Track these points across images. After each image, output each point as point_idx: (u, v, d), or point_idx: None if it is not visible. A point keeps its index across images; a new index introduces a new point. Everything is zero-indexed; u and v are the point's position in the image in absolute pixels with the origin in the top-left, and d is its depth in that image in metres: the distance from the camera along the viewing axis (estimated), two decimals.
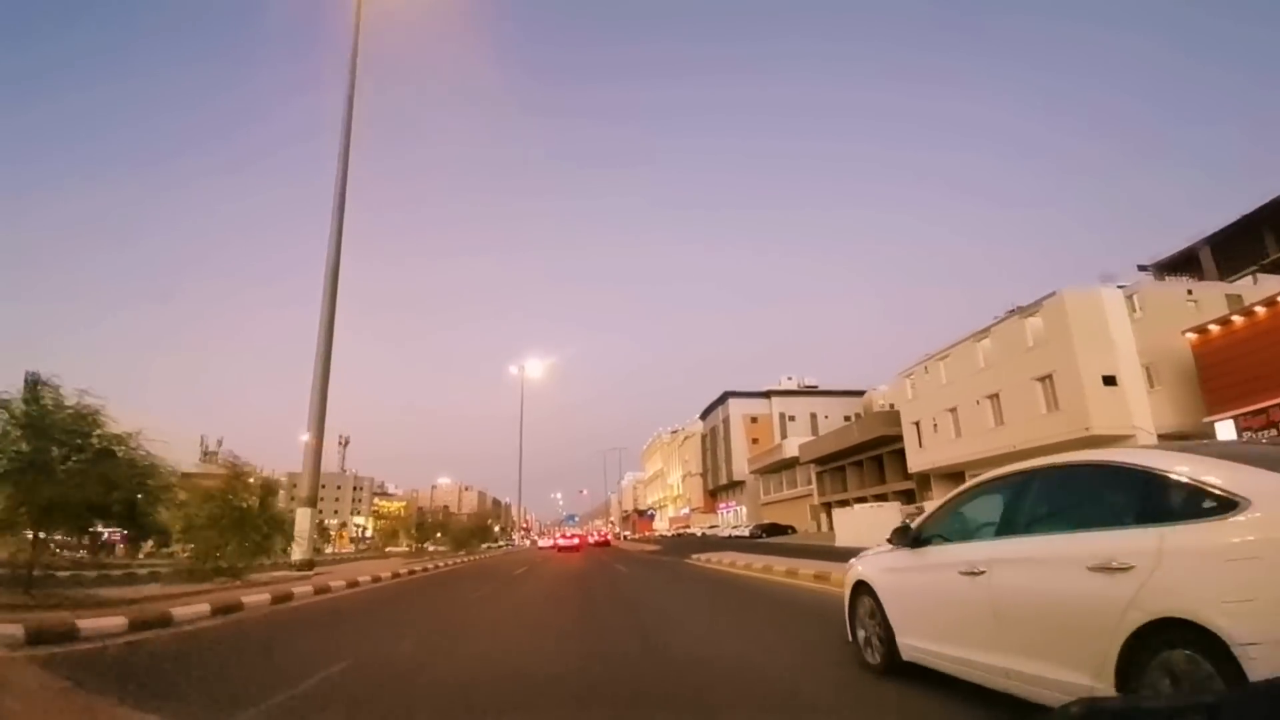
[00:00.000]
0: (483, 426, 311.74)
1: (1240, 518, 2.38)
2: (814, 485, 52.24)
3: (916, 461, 36.62)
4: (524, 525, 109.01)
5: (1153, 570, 2.52)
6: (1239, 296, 26.64)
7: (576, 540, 49.86)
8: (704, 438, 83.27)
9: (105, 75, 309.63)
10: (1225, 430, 22.71)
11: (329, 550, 77.93)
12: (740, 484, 68.43)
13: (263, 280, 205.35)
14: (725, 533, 54.02)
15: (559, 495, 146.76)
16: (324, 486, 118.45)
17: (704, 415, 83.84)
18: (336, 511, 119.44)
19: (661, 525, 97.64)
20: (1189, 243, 40.52)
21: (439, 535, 44.20)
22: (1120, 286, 28.05)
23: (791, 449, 55.37)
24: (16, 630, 5.61)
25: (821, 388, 70.93)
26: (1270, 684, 1.86)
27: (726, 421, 72.46)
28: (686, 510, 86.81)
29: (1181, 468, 2.77)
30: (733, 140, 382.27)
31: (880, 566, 4.80)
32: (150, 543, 33.81)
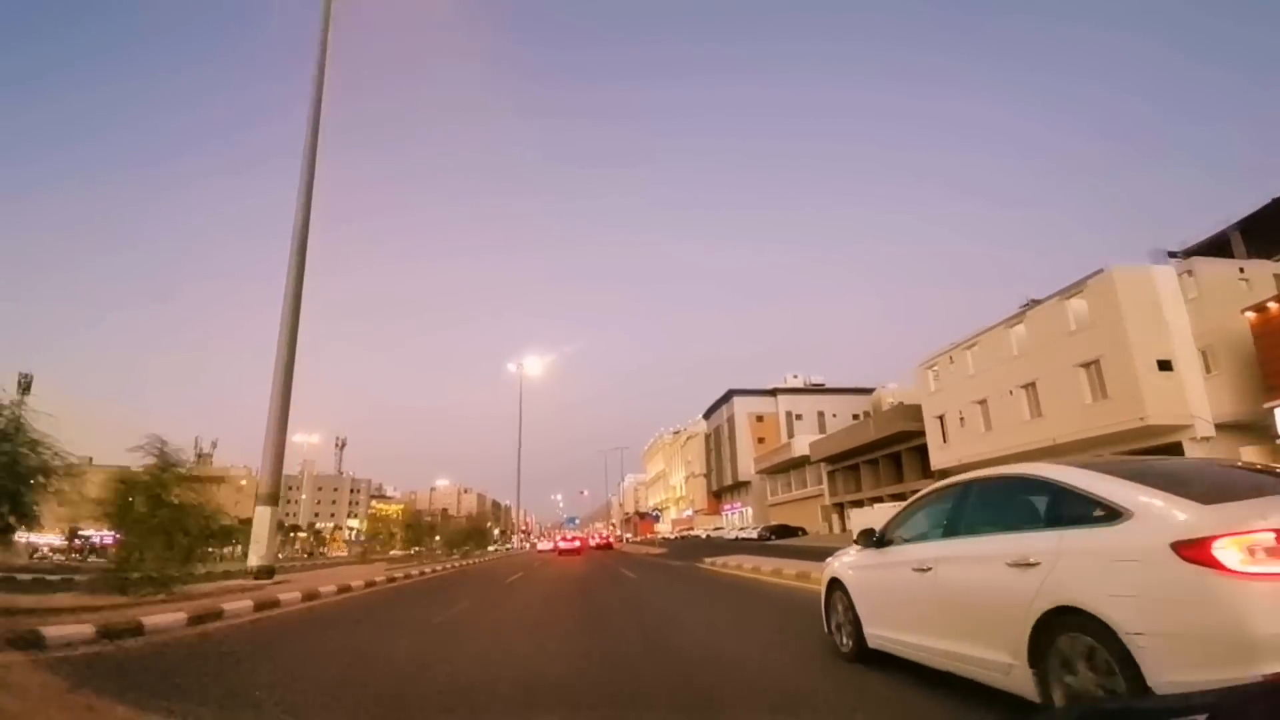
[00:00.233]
0: (482, 428, 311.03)
1: (1122, 526, 2.86)
2: (825, 485, 50.33)
3: (940, 458, 34.20)
4: (524, 527, 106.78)
5: (1053, 566, 3.02)
6: None
7: (577, 543, 47.81)
8: (707, 437, 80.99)
9: (105, 76, 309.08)
10: None
11: (321, 553, 75.99)
12: (746, 484, 66.39)
13: (262, 280, 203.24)
14: (731, 535, 52.31)
15: (559, 497, 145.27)
16: (320, 489, 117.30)
17: (707, 414, 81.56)
18: (333, 514, 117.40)
19: (663, 527, 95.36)
20: (1219, 227, 39.17)
21: (436, 538, 42.42)
22: (1172, 254, 25.78)
23: (801, 448, 53.54)
24: None
25: (828, 386, 69.05)
26: (1270, 684, 2.02)
27: (731, 420, 70.21)
28: (690, 512, 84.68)
29: (1082, 483, 3.23)
30: (733, 140, 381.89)
31: (850, 565, 5.22)
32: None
